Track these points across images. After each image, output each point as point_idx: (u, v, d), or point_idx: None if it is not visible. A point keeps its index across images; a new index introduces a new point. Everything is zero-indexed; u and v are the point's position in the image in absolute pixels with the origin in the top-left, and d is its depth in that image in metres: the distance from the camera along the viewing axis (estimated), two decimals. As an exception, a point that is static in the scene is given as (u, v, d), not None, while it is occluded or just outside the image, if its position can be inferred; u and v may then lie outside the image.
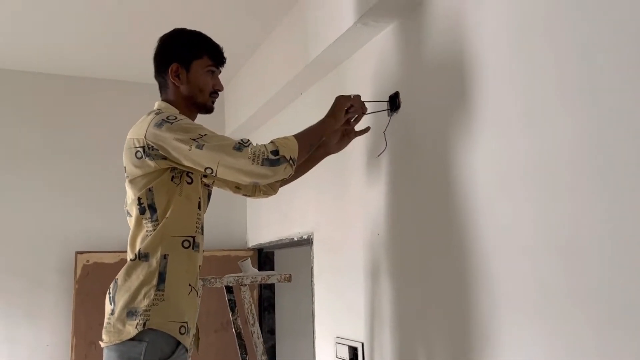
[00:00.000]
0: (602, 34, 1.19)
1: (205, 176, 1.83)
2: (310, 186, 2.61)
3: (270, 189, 1.99)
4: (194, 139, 1.52)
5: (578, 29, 1.25)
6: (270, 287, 3.58)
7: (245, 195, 2.02)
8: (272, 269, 3.59)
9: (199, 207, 1.65)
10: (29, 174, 3.20)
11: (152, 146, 1.53)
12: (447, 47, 1.69)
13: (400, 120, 1.92)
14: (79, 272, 3.08)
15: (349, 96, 1.84)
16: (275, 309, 3.58)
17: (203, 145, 1.51)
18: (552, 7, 1.31)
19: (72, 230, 3.21)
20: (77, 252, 3.10)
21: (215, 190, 2.10)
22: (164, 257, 1.55)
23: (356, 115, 1.91)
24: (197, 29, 1.73)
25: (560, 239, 1.27)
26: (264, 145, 1.56)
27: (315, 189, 2.58)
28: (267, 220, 3.29)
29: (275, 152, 1.53)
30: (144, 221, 1.59)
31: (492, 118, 1.49)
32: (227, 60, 1.75)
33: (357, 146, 2.17)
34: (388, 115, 1.97)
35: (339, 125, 1.82)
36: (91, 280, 3.07)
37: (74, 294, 3.06)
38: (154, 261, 1.55)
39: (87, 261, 3.10)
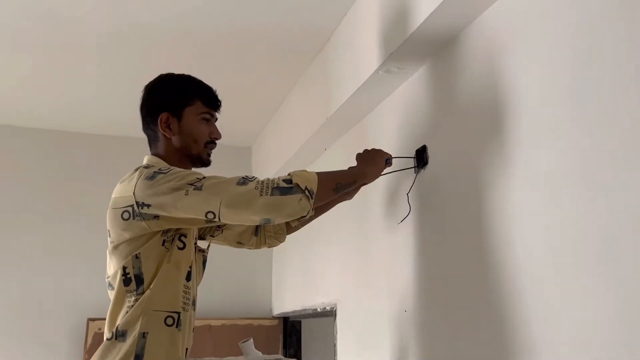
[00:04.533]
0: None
1: (202, 238, 1.63)
2: (334, 252, 2.35)
3: (275, 240, 1.76)
4: (190, 183, 1.32)
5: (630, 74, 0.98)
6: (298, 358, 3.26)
7: (250, 248, 1.79)
8: (299, 340, 3.29)
9: (188, 278, 1.42)
10: (44, 239, 3.08)
11: (143, 203, 1.34)
12: (480, 94, 1.45)
13: (428, 178, 1.67)
14: (89, 340, 2.87)
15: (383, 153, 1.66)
16: (301, 385, 3.24)
17: (202, 185, 1.32)
18: (604, 44, 1.06)
19: (85, 297, 3.03)
20: (89, 319, 2.91)
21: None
22: (143, 335, 1.32)
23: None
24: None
25: (621, 328, 0.96)
26: (276, 177, 1.37)
27: (339, 255, 2.32)
28: (292, 287, 3.02)
29: (288, 181, 1.34)
30: (127, 294, 1.37)
31: (535, 177, 1.22)
32: (221, 105, 1.56)
33: (377, 209, 1.92)
34: (415, 172, 1.72)
35: (374, 179, 1.61)
36: (102, 350, 2.85)
37: (84, 363, 2.85)
38: (131, 340, 1.32)
39: (99, 329, 2.89)
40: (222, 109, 1.56)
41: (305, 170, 1.40)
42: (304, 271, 2.78)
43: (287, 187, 1.32)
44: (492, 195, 1.35)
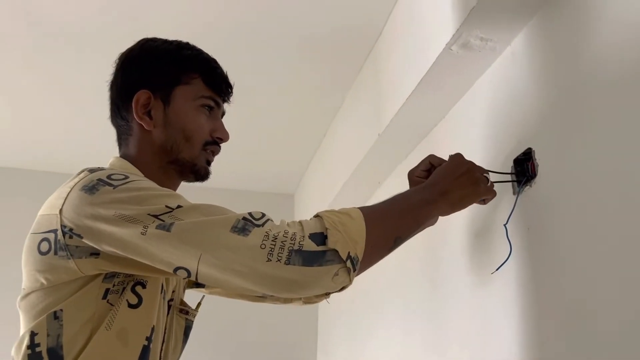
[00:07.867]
0: None
1: (197, 284, 1.08)
2: (395, 317, 1.72)
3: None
4: (155, 215, 0.78)
5: None
6: None
7: (274, 303, 1.17)
8: None
9: (143, 358, 0.85)
10: None
11: (72, 229, 0.81)
12: (626, 61, 0.85)
13: (536, 200, 1.05)
14: None
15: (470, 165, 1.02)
16: None
17: (172, 224, 0.78)
18: None
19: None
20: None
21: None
22: None
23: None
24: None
25: None
26: (299, 222, 0.82)
27: (402, 321, 1.68)
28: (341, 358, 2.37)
29: (319, 239, 0.78)
30: None
31: None
32: (232, 93, 1.03)
33: (453, 253, 1.30)
34: (514, 193, 1.11)
35: (456, 211, 1.00)
36: None
37: None
38: None
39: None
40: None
41: (347, 214, 0.82)
42: (354, 338, 2.14)
43: (316, 251, 0.77)
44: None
